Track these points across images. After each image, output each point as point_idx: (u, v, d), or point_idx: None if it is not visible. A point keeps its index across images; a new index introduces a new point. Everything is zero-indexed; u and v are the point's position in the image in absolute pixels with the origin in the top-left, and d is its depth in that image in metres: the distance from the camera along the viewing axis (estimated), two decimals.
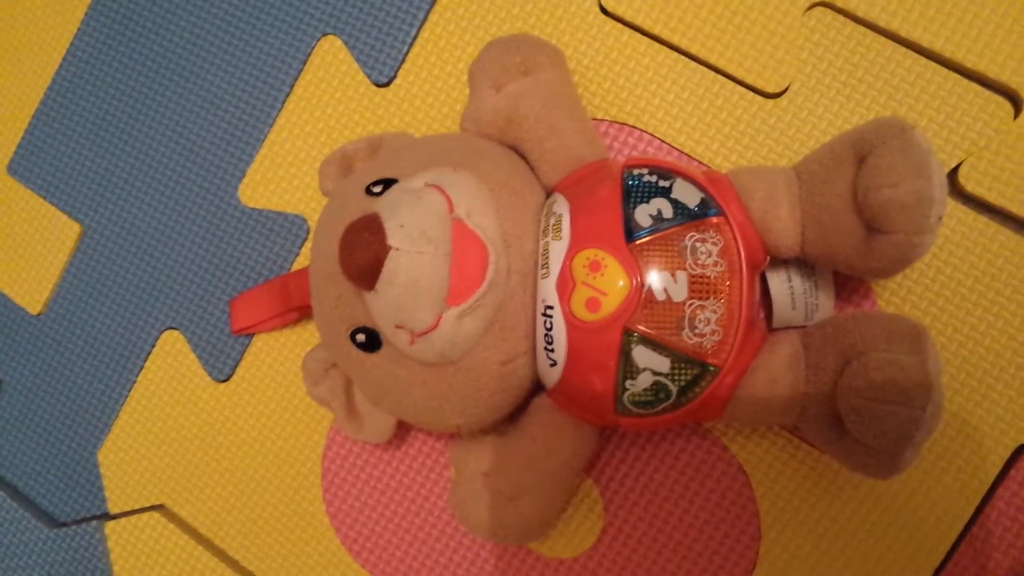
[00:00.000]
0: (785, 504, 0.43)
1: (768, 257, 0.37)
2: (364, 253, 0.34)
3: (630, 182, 0.36)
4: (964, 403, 0.41)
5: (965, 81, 0.41)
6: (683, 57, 0.44)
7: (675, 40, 0.44)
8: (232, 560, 0.50)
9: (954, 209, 0.41)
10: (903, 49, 0.42)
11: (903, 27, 0.41)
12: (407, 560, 0.47)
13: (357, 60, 0.48)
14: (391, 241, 0.34)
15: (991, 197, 0.40)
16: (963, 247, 0.41)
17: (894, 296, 0.42)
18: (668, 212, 0.35)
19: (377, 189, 0.38)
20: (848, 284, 0.42)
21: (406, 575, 0.47)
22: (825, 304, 0.40)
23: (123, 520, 0.51)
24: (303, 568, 0.48)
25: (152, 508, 0.51)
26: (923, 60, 0.42)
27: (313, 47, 0.49)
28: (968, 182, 0.41)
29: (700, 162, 0.43)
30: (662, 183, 0.36)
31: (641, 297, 0.34)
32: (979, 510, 0.41)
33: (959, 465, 0.41)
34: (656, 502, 0.44)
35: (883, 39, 0.42)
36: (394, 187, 0.37)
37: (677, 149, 0.44)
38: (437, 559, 0.47)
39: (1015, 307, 0.40)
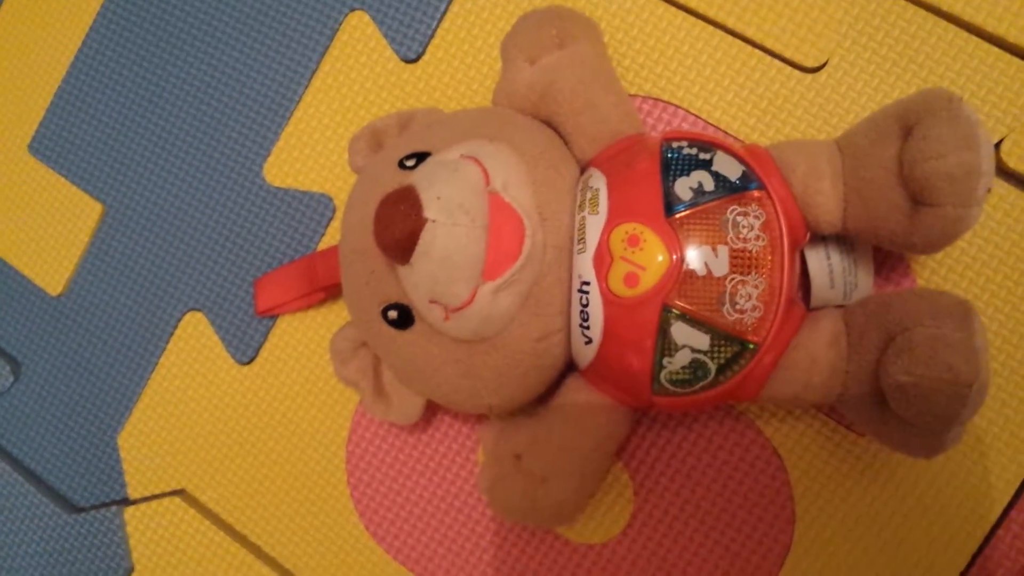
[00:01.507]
0: (820, 488, 0.42)
1: (808, 233, 0.37)
2: (400, 225, 0.33)
3: (669, 155, 0.36)
4: (1005, 383, 0.40)
5: (1007, 55, 0.40)
6: (720, 31, 0.43)
7: (711, 13, 0.43)
8: (254, 546, 0.49)
9: (996, 185, 0.40)
10: (944, 22, 0.41)
11: (944, 0, 0.40)
12: (432, 545, 0.46)
13: (385, 36, 0.48)
14: (427, 213, 0.33)
15: None
16: (1005, 224, 0.40)
17: (934, 275, 0.41)
18: (709, 185, 0.35)
19: (410, 163, 0.37)
20: (887, 263, 0.41)
21: (431, 560, 0.46)
22: (864, 282, 0.39)
23: (143, 505, 0.50)
24: (326, 554, 0.48)
25: (173, 493, 0.50)
26: (964, 34, 0.41)
27: (341, 23, 0.48)
28: (1011, 158, 0.40)
29: (737, 138, 0.43)
30: (703, 155, 0.36)
31: (681, 272, 0.34)
32: (1019, 492, 0.40)
33: (999, 447, 0.40)
34: (688, 486, 0.43)
35: (923, 12, 0.41)
36: (429, 159, 0.36)
37: (713, 125, 0.43)
38: (464, 544, 0.46)
39: None
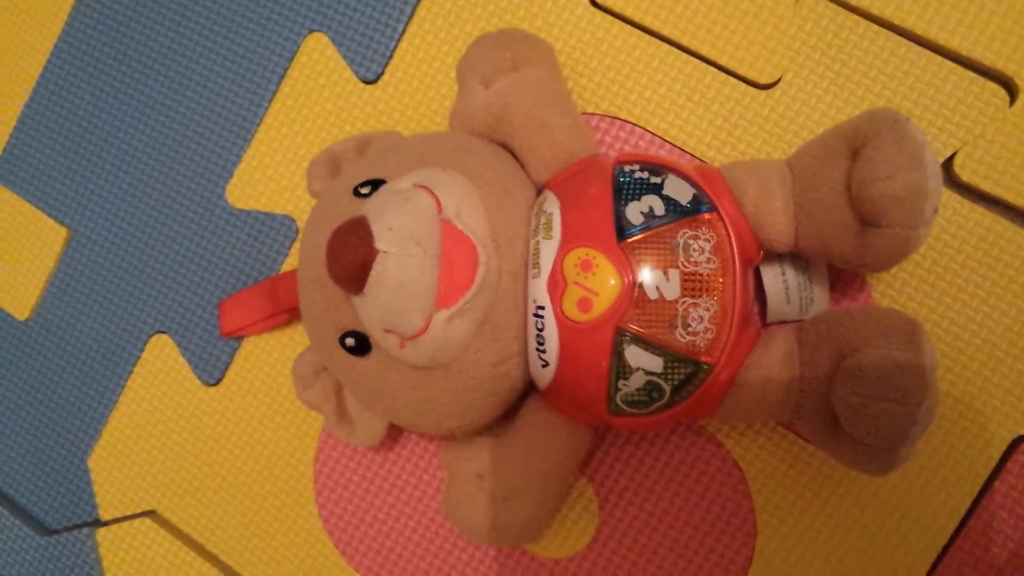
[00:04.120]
0: (781, 500, 0.42)
1: (762, 252, 0.37)
2: (352, 257, 0.33)
3: (621, 179, 0.36)
4: (960, 395, 0.40)
5: (960, 68, 0.41)
6: (674, 49, 0.43)
7: (666, 32, 0.43)
8: (225, 565, 0.49)
9: (949, 199, 0.40)
10: (896, 37, 0.41)
11: (896, 14, 0.41)
12: (401, 563, 0.47)
13: (344, 57, 0.48)
14: (379, 244, 0.33)
15: (986, 186, 0.40)
16: (959, 237, 0.40)
17: (889, 288, 0.41)
18: (660, 209, 0.35)
19: (365, 190, 0.37)
20: (843, 277, 0.41)
21: None
22: (820, 298, 0.40)
23: (114, 527, 0.50)
24: (296, 572, 0.48)
25: (143, 514, 0.51)
26: (917, 48, 0.41)
27: (300, 44, 0.48)
28: (963, 171, 0.40)
29: (692, 155, 0.43)
30: (653, 179, 0.36)
31: (633, 296, 0.34)
32: (976, 503, 0.41)
33: (956, 458, 0.41)
34: (651, 500, 0.44)
35: (876, 27, 0.41)
36: (382, 188, 0.36)
37: (669, 142, 0.43)
38: (432, 561, 0.46)
39: (1011, 297, 0.40)
